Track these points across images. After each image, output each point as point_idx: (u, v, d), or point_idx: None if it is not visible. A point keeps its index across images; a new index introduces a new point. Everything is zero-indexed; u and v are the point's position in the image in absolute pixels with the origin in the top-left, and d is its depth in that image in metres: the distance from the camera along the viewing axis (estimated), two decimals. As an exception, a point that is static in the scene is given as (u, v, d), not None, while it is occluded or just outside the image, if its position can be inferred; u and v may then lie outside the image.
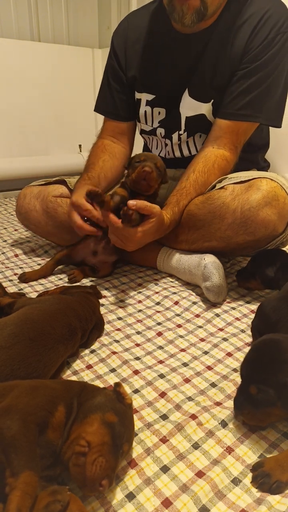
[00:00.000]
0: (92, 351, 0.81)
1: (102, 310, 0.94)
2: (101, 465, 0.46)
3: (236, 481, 0.53)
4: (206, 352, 0.82)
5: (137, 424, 0.62)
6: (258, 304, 0.82)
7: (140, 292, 1.06)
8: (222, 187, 1.01)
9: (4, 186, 2.16)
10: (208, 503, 0.50)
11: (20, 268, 1.19)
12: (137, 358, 0.80)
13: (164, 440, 0.59)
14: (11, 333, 0.65)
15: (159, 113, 1.18)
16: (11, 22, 2.09)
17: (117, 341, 0.85)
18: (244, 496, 0.52)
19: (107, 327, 0.89)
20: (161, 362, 0.79)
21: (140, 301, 1.02)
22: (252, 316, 0.86)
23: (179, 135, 1.16)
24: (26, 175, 2.07)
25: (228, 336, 0.87)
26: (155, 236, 1.01)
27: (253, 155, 1.23)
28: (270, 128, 1.26)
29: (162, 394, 0.69)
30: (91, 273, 1.14)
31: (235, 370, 0.76)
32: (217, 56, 1.04)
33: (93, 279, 1.13)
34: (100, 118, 1.31)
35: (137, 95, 1.19)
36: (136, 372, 0.75)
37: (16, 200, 1.28)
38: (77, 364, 0.77)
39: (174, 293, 1.04)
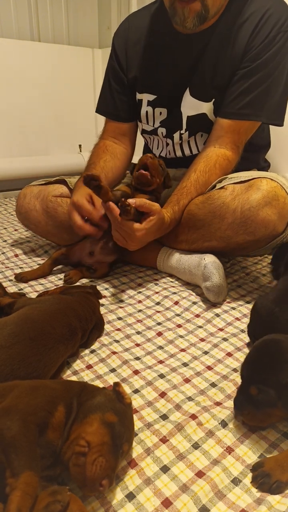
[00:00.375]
0: (92, 351, 0.81)
1: (102, 310, 0.94)
2: (101, 465, 0.46)
3: (236, 481, 0.53)
4: (206, 352, 0.82)
5: (137, 424, 0.62)
6: (258, 304, 0.82)
7: (140, 292, 1.06)
8: (222, 187, 1.01)
9: (4, 186, 2.16)
10: (208, 503, 0.50)
11: (20, 268, 1.19)
12: (137, 358, 0.80)
13: (164, 440, 0.59)
14: (11, 332, 0.65)
15: (161, 113, 1.18)
16: (11, 22, 2.09)
17: (117, 341, 0.85)
18: (244, 496, 0.52)
19: (107, 327, 0.89)
20: (161, 362, 0.79)
21: (140, 301, 1.02)
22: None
23: (181, 134, 1.17)
24: (26, 175, 2.07)
25: (228, 336, 0.87)
26: (156, 235, 1.02)
27: (254, 155, 1.23)
28: (271, 127, 1.26)
29: (162, 394, 0.69)
30: (88, 273, 1.14)
31: (235, 370, 0.76)
32: (218, 56, 1.04)
33: (93, 279, 1.13)
34: (100, 118, 1.31)
35: (138, 96, 1.19)
36: (136, 372, 0.75)
37: (16, 200, 1.28)
38: (77, 364, 0.77)
39: (174, 293, 1.04)
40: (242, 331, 0.89)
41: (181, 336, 0.87)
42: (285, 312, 0.75)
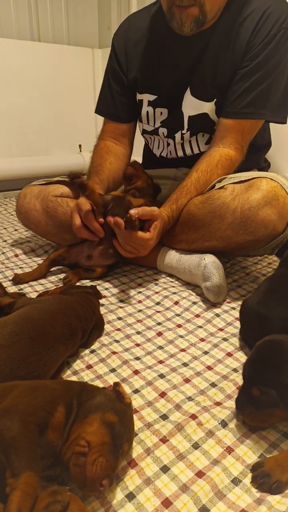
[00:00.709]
0: (92, 351, 0.81)
1: (102, 310, 0.94)
2: (101, 465, 0.46)
3: (236, 481, 0.53)
4: (206, 352, 0.82)
5: (137, 424, 0.62)
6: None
7: (140, 292, 1.06)
8: (222, 187, 1.01)
9: (4, 186, 2.16)
10: (208, 503, 0.50)
11: (20, 268, 1.19)
12: (137, 358, 0.80)
13: (164, 440, 0.59)
14: (11, 332, 0.65)
15: (161, 113, 1.18)
16: (11, 22, 2.09)
17: (117, 341, 0.85)
18: (244, 496, 0.52)
19: (107, 327, 0.89)
20: (161, 362, 0.79)
21: (140, 301, 1.02)
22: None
23: (182, 134, 1.17)
24: (26, 175, 2.07)
25: (228, 336, 0.87)
26: (161, 235, 1.04)
27: (255, 155, 1.23)
28: (271, 127, 1.26)
29: (162, 394, 0.69)
30: (86, 274, 1.13)
31: (235, 370, 0.76)
32: (218, 55, 1.05)
33: (91, 279, 1.13)
34: (100, 118, 1.31)
35: (139, 96, 1.19)
36: (136, 372, 0.75)
37: (16, 199, 1.28)
38: (77, 364, 0.77)
39: (174, 293, 1.04)
40: (242, 331, 0.89)
41: (181, 336, 0.87)
42: (272, 310, 0.75)
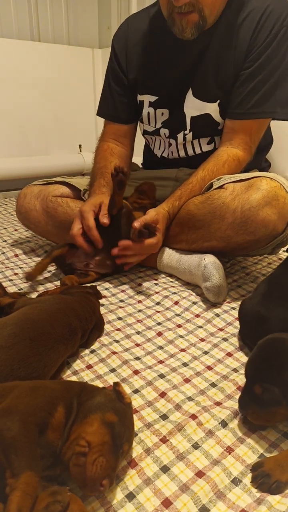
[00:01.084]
0: (92, 351, 0.81)
1: (102, 310, 0.94)
2: (101, 465, 0.46)
3: (236, 481, 0.53)
4: (206, 352, 0.82)
5: (137, 424, 0.62)
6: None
7: (140, 292, 1.06)
8: (221, 187, 1.01)
9: (4, 186, 2.16)
10: (208, 503, 0.50)
11: (20, 268, 1.19)
12: (137, 358, 0.80)
13: (164, 440, 0.59)
14: (11, 332, 0.65)
15: (162, 114, 1.18)
16: (11, 22, 2.09)
17: (117, 341, 0.85)
18: (244, 496, 0.52)
19: (107, 327, 0.89)
20: (161, 362, 0.79)
21: (140, 301, 1.02)
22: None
23: (185, 135, 1.17)
24: (26, 175, 2.07)
25: (228, 336, 0.87)
26: (165, 231, 1.07)
27: (257, 156, 1.22)
28: (271, 127, 1.26)
29: (162, 394, 0.69)
30: (80, 279, 1.11)
31: (235, 370, 0.76)
32: (220, 56, 1.05)
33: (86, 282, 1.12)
34: (100, 118, 1.31)
35: (139, 97, 1.20)
36: (136, 372, 0.75)
37: (16, 199, 1.28)
38: (77, 364, 0.77)
39: (174, 293, 1.04)
40: (242, 331, 0.89)
41: (181, 336, 0.87)
42: (272, 311, 0.75)
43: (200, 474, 0.54)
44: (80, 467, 0.46)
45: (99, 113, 1.29)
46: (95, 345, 0.83)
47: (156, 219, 1.00)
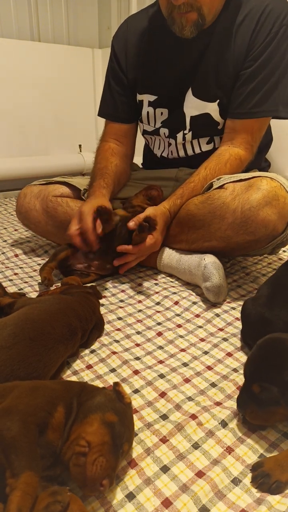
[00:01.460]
0: (92, 351, 0.81)
1: (102, 310, 0.94)
2: (101, 465, 0.46)
3: (236, 481, 0.53)
4: (206, 352, 0.82)
5: (137, 424, 0.62)
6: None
7: (140, 292, 1.06)
8: (221, 187, 1.01)
9: (4, 186, 2.16)
10: (208, 503, 0.50)
11: (20, 268, 1.19)
12: (137, 358, 0.80)
13: (164, 440, 0.59)
14: (11, 333, 0.65)
15: (162, 113, 1.18)
16: (11, 22, 2.09)
17: (117, 341, 0.85)
18: (244, 496, 0.52)
19: (107, 327, 0.89)
20: (161, 362, 0.79)
21: (140, 301, 1.02)
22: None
23: (184, 134, 1.17)
24: (26, 175, 2.07)
25: (228, 336, 0.87)
26: (166, 229, 1.07)
27: (257, 156, 1.22)
28: (272, 126, 1.26)
29: (162, 394, 0.69)
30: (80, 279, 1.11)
31: (235, 370, 0.76)
32: (219, 55, 1.05)
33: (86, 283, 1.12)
34: (101, 118, 1.31)
35: (139, 97, 1.20)
36: (136, 372, 0.75)
37: (16, 199, 1.28)
38: (77, 364, 0.77)
39: (174, 293, 1.04)
40: (242, 331, 0.89)
41: (181, 336, 0.87)
42: (276, 313, 0.75)
43: (200, 474, 0.54)
44: (80, 467, 0.46)
45: (100, 114, 1.29)
46: (95, 345, 0.83)
47: (154, 214, 1.00)
